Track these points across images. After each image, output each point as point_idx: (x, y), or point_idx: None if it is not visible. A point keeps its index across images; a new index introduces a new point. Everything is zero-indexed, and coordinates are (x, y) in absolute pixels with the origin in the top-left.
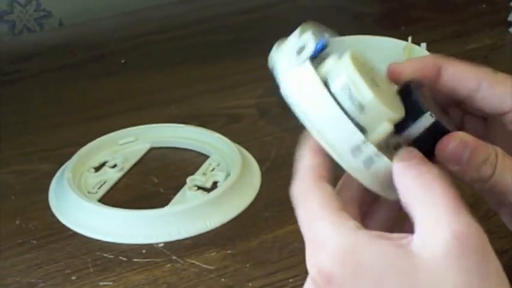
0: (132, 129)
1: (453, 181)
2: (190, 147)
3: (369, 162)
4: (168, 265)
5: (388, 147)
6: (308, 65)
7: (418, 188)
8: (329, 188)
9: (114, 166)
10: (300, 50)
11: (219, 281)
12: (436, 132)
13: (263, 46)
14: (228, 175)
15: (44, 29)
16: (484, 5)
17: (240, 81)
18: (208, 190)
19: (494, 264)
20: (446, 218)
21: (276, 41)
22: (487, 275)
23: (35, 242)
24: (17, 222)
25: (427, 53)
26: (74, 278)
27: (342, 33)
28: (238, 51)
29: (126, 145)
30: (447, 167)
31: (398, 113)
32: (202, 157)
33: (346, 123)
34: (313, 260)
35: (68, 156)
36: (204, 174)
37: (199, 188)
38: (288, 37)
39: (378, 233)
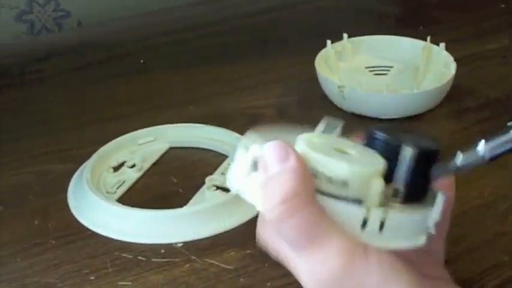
0: (150, 129)
1: None
2: (209, 147)
3: (381, 225)
4: (187, 265)
5: (388, 198)
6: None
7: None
8: None
9: (133, 166)
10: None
11: (238, 280)
12: (424, 158)
13: (282, 46)
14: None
15: (63, 29)
16: (502, 5)
17: (259, 81)
18: (227, 190)
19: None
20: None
21: (294, 41)
22: None
23: (53, 242)
24: (36, 222)
25: (446, 53)
26: (92, 278)
27: (361, 33)
28: (257, 51)
29: (145, 145)
30: None
31: (379, 164)
32: (221, 157)
33: (342, 207)
34: None
35: (87, 156)
36: (222, 174)
37: (218, 187)
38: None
39: None
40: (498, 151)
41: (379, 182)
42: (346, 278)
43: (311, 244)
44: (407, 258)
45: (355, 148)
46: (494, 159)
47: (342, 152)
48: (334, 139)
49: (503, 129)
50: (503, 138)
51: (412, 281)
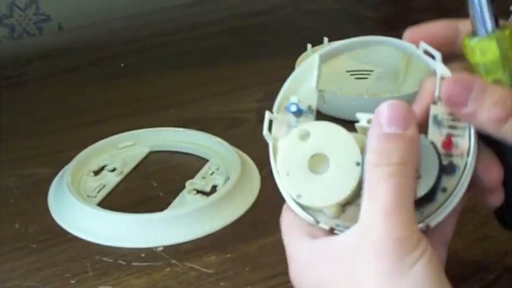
0: (131, 133)
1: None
2: (189, 151)
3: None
4: (168, 269)
5: None
6: (269, 147)
7: (371, 177)
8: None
9: (114, 170)
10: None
11: (218, 284)
12: None
13: (265, 50)
14: (227, 179)
15: (43, 32)
16: None
17: (241, 85)
18: (207, 194)
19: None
20: (375, 221)
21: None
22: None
23: (34, 246)
24: (17, 226)
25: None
26: (73, 281)
27: (342, 36)
28: (240, 55)
29: (126, 149)
30: (455, 111)
31: (333, 199)
32: (202, 161)
33: (294, 206)
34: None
35: (68, 160)
36: (203, 178)
37: (198, 191)
38: None
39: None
40: None
41: (331, 210)
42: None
43: (389, 208)
44: None
45: (340, 162)
46: None
47: (318, 167)
48: (331, 141)
49: None
50: None
51: None
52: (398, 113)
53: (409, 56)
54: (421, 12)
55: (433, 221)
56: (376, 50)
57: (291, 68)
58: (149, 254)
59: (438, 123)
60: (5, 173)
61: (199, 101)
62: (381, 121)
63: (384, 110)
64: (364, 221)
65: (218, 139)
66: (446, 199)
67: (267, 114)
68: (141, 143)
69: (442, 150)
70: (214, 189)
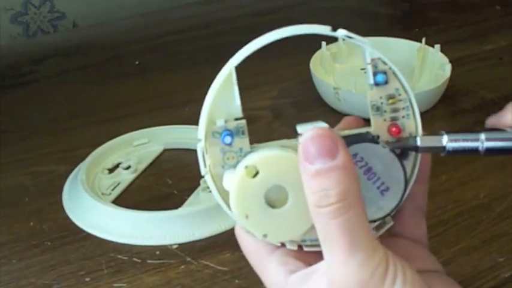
0: (145, 131)
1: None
2: None
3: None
4: (182, 266)
5: None
6: (210, 182)
7: (317, 219)
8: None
9: (128, 168)
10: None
11: (233, 282)
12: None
13: (279, 48)
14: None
15: (58, 30)
16: (498, 7)
17: (255, 83)
18: None
19: None
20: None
21: (290, 43)
22: None
23: (49, 243)
24: (31, 224)
25: (441, 54)
26: (88, 279)
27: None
28: (253, 53)
29: (140, 147)
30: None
31: (299, 231)
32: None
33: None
34: None
35: (82, 158)
36: None
37: None
38: None
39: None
40: (459, 146)
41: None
42: None
43: (346, 249)
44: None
45: (297, 189)
46: (454, 152)
47: (279, 194)
48: (283, 169)
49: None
50: (468, 136)
51: None
52: (322, 143)
53: (424, 52)
54: (435, 9)
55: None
56: (391, 47)
57: (304, 65)
58: (164, 252)
59: (379, 109)
60: (20, 171)
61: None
62: (307, 157)
63: (307, 144)
64: (327, 267)
65: None
66: (406, 185)
67: (199, 147)
68: (155, 140)
69: (392, 138)
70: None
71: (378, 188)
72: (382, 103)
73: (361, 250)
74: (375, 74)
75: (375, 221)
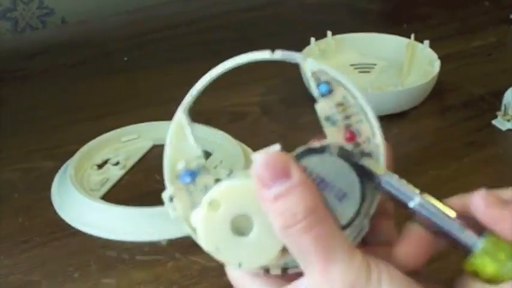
0: (134, 127)
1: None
2: None
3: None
4: (171, 262)
5: None
6: (184, 226)
7: (289, 242)
8: None
9: (117, 163)
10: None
11: (222, 278)
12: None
13: (266, 44)
14: (231, 172)
15: (47, 26)
16: (487, 3)
17: (244, 79)
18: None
19: None
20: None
21: (278, 39)
22: None
23: (37, 239)
24: (20, 220)
25: (430, 50)
26: (76, 275)
27: (345, 30)
28: (241, 49)
29: (129, 142)
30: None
31: (272, 252)
32: (205, 154)
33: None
34: None
35: (71, 154)
36: None
37: None
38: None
39: None
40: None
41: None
42: None
43: (323, 261)
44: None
45: (261, 215)
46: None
47: (245, 222)
48: (243, 198)
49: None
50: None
51: None
52: (274, 166)
53: (412, 48)
54: (425, 5)
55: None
56: (380, 43)
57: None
58: (152, 248)
59: (329, 119)
60: (9, 168)
61: (202, 94)
62: (264, 183)
63: (260, 171)
64: (309, 282)
65: (222, 132)
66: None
67: (166, 194)
68: (144, 136)
69: (349, 146)
70: (217, 182)
71: (336, 196)
72: (332, 113)
73: (339, 258)
74: (317, 85)
75: (344, 227)
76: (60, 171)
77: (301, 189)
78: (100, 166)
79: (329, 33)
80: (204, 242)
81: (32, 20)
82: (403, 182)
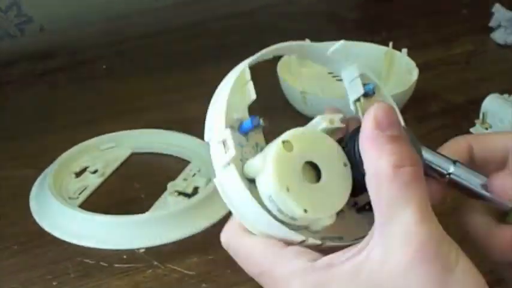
0: (112, 135)
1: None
2: (171, 153)
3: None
4: (149, 271)
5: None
6: (233, 171)
7: (397, 180)
8: None
9: (95, 171)
10: (224, 143)
11: (200, 286)
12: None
13: (247, 52)
14: (209, 181)
15: (25, 34)
16: (465, 11)
17: None
18: (189, 196)
19: (456, 277)
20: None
21: (258, 47)
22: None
23: (16, 247)
24: None
25: (408, 58)
26: (55, 283)
27: (323, 39)
28: (220, 57)
29: (107, 150)
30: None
31: (336, 206)
32: (183, 162)
33: (280, 229)
34: None
35: (49, 162)
36: (185, 179)
37: (180, 193)
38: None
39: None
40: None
41: (330, 220)
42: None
43: (419, 212)
44: None
45: (329, 165)
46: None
47: (309, 176)
48: (313, 146)
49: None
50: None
51: None
52: (391, 115)
53: (391, 56)
54: (403, 13)
55: None
56: (358, 50)
57: (272, 70)
58: (131, 256)
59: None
60: None
61: (180, 102)
62: (379, 125)
63: (379, 114)
64: (396, 231)
65: (200, 140)
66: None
67: (217, 137)
68: (122, 144)
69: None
70: (195, 191)
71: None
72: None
73: (428, 220)
74: (364, 85)
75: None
76: (39, 179)
77: (406, 142)
78: (78, 174)
79: (307, 40)
80: (276, 180)
81: (10, 28)
82: (437, 153)
